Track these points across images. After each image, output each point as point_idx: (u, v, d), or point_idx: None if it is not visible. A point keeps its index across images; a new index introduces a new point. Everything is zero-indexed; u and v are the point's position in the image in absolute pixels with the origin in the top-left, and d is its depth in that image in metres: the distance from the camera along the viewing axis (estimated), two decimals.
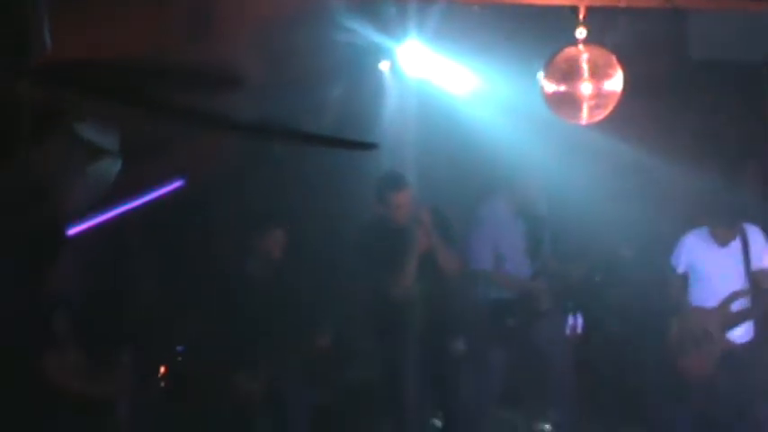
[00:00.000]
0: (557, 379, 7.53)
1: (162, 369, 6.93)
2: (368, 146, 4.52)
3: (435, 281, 7.13)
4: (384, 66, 7.93)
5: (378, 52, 7.73)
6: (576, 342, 7.73)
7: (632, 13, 6.60)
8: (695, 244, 7.19)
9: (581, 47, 5.26)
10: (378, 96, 7.95)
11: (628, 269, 7.98)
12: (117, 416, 6.36)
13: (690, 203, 7.54)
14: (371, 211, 7.26)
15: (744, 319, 7.09)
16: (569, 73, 5.26)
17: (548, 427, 7.81)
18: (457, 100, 7.81)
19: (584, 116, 5.33)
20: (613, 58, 5.27)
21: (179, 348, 7.11)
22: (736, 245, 7.10)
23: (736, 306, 7.09)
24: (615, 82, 5.28)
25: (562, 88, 5.28)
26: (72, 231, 5.62)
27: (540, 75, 5.38)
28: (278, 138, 6.33)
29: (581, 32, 5.26)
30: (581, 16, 5.26)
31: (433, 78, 7.72)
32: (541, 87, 5.32)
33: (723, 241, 7.10)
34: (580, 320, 7.76)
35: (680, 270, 7.18)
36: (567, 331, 7.74)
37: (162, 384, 6.92)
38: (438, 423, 7.61)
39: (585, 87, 5.25)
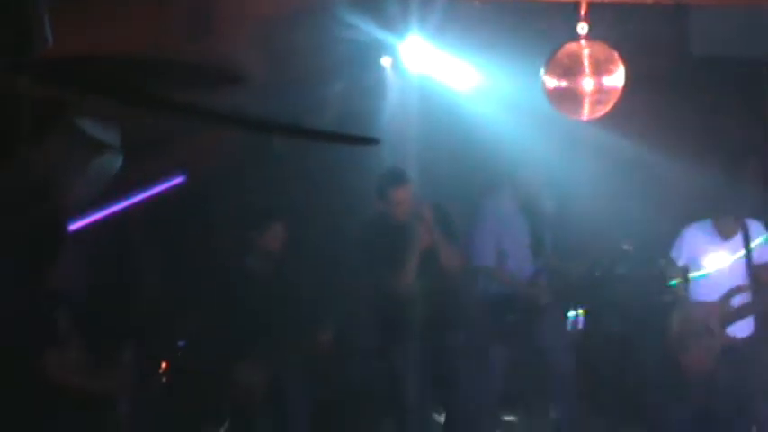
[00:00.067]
0: (557, 375, 7.53)
1: (163, 364, 6.93)
2: (369, 141, 4.50)
3: (437, 277, 7.13)
4: (386, 62, 7.93)
5: (380, 48, 7.73)
6: (577, 338, 7.74)
7: (634, 9, 6.60)
8: (697, 237, 7.18)
9: (582, 42, 5.25)
10: (380, 92, 7.95)
11: (629, 265, 7.98)
12: (118, 411, 6.36)
13: (691, 199, 7.53)
14: (373, 208, 7.26)
15: (744, 314, 7.09)
16: (571, 69, 5.24)
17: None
18: (459, 96, 7.81)
19: (586, 112, 5.31)
20: (615, 54, 5.26)
21: (180, 344, 7.12)
22: (737, 239, 7.10)
23: (737, 301, 7.09)
24: (617, 78, 5.27)
25: (563, 84, 5.26)
26: (73, 227, 5.63)
27: (542, 70, 5.37)
28: (279, 133, 6.33)
29: (582, 28, 5.26)
30: (582, 12, 5.25)
31: (435, 74, 7.72)
32: (543, 83, 5.32)
33: (726, 234, 7.10)
34: (581, 317, 7.76)
35: (680, 263, 7.18)
36: (569, 327, 7.75)
37: (163, 380, 6.92)
38: (440, 418, 7.62)
39: (587, 83, 5.24)
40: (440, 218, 7.20)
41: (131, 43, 4.99)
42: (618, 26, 6.26)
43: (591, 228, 7.66)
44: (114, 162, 4.61)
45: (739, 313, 7.08)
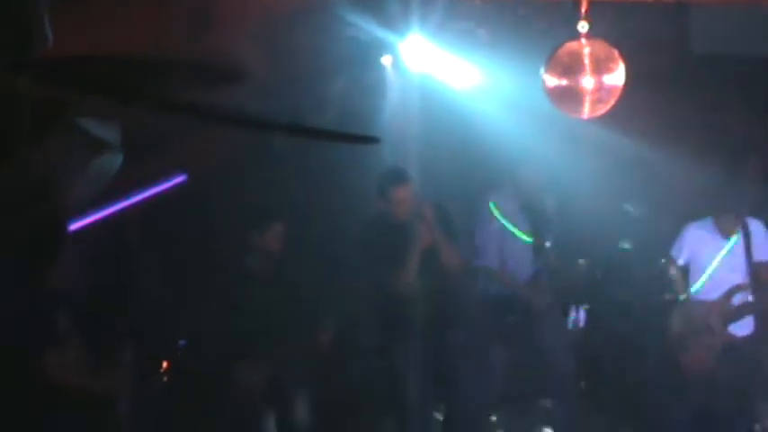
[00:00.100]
0: (557, 375, 7.53)
1: (164, 364, 6.93)
2: (370, 140, 4.50)
3: (437, 276, 7.12)
4: (387, 60, 7.93)
5: (380, 47, 7.73)
6: (577, 338, 7.73)
7: (634, 7, 6.60)
8: (698, 235, 7.18)
9: (583, 41, 5.24)
10: (380, 91, 7.94)
11: (629, 264, 7.98)
12: (118, 411, 6.35)
13: (692, 197, 7.53)
14: (373, 207, 7.25)
15: (745, 312, 7.09)
16: (571, 67, 5.23)
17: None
18: (459, 94, 7.80)
19: (586, 110, 5.30)
20: (615, 53, 5.24)
21: (180, 343, 7.11)
22: (738, 237, 7.10)
23: (738, 299, 7.09)
24: (617, 76, 5.26)
25: (564, 82, 5.25)
26: (73, 227, 5.62)
27: (542, 69, 5.37)
28: (280, 132, 6.33)
29: (583, 26, 5.25)
30: (583, 10, 5.24)
31: (436, 73, 7.72)
32: (543, 81, 5.31)
33: (727, 233, 7.10)
34: (582, 316, 7.76)
35: (680, 261, 7.17)
36: (570, 326, 7.74)
37: (164, 380, 6.92)
38: (440, 417, 7.61)
39: (587, 81, 5.23)
40: (440, 217, 7.20)
41: (131, 43, 4.98)
42: (618, 24, 6.27)
43: (591, 226, 7.66)
44: (114, 162, 4.60)
45: (740, 312, 7.08)
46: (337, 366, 7.36)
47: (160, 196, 6.67)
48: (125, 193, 6.36)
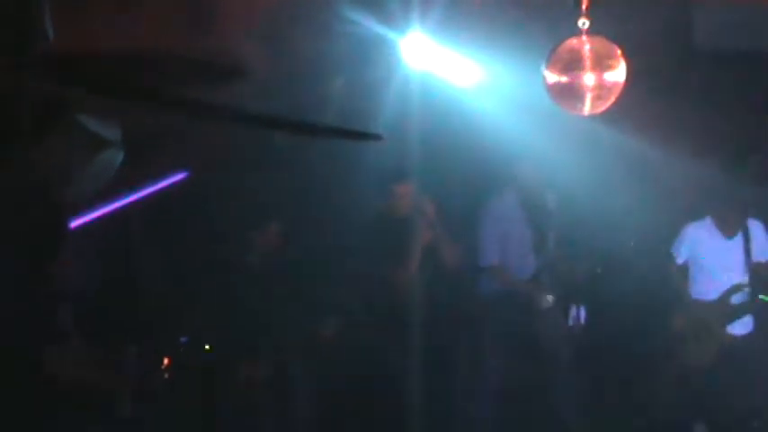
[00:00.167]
0: (557, 375, 7.53)
1: (165, 361, 6.93)
2: (372, 138, 4.51)
3: (438, 274, 7.13)
4: (388, 57, 7.92)
5: (381, 44, 7.72)
6: (577, 336, 7.73)
7: (635, 4, 6.60)
8: (698, 235, 7.18)
9: (583, 38, 5.24)
10: (381, 88, 7.94)
11: (630, 262, 7.97)
12: (120, 408, 6.36)
13: (692, 196, 7.53)
14: (374, 203, 7.26)
15: (744, 312, 7.09)
16: (572, 64, 5.23)
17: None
18: (461, 92, 7.80)
19: (587, 107, 5.30)
20: (616, 49, 5.24)
21: (182, 340, 7.12)
22: (738, 237, 7.10)
23: (737, 299, 7.09)
24: (618, 73, 5.26)
25: (564, 79, 5.25)
26: (75, 224, 5.62)
27: (543, 66, 5.37)
28: (282, 129, 6.33)
29: (584, 23, 5.25)
30: (584, 7, 5.24)
31: (437, 70, 7.71)
32: (544, 78, 5.31)
33: (728, 233, 7.10)
34: (583, 314, 7.75)
35: (680, 261, 7.17)
36: (570, 322, 7.74)
37: (165, 376, 6.92)
38: (440, 414, 7.61)
39: (588, 78, 5.23)
40: (441, 214, 7.20)
41: (133, 38, 4.99)
42: (619, 21, 6.26)
43: (592, 224, 7.65)
44: (116, 159, 4.62)
45: (739, 311, 7.08)
46: (338, 364, 7.36)
47: (161, 194, 6.67)
48: (125, 191, 6.37)
